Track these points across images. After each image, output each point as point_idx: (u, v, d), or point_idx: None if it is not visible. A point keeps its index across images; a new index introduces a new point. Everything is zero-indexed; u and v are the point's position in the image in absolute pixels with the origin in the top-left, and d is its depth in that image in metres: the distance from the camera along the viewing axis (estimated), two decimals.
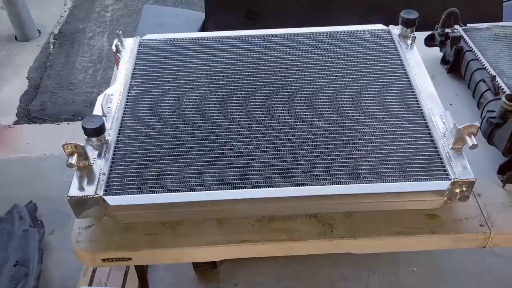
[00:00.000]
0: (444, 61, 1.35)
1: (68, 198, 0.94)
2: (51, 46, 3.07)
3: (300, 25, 1.38)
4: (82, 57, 2.97)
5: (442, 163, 0.98)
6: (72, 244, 0.99)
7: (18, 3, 2.98)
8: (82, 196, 0.94)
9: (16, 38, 3.13)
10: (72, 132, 2.43)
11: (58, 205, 1.94)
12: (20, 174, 2.23)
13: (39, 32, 3.18)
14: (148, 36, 1.35)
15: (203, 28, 1.69)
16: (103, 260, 0.98)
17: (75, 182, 0.97)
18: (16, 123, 2.55)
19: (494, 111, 1.05)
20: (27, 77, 2.83)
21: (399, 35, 1.29)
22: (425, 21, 1.39)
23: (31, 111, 2.61)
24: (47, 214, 2.04)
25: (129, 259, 0.98)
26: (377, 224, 0.99)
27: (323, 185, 0.96)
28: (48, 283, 1.82)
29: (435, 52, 1.38)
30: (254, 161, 1.00)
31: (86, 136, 1.03)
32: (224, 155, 1.01)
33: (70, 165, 0.95)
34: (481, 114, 1.13)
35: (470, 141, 0.95)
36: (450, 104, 1.24)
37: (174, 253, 0.98)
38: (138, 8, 3.35)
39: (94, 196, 0.94)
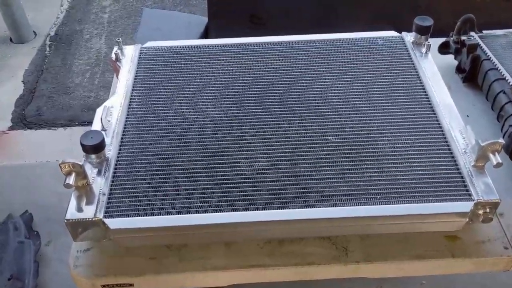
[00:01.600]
0: (459, 69, 1.29)
1: (65, 221, 0.88)
2: (47, 49, 3.00)
3: (304, 30, 1.32)
4: (79, 60, 2.89)
5: (463, 182, 0.92)
6: (69, 268, 0.93)
7: (13, 4, 2.90)
8: (81, 219, 0.88)
9: (11, 40, 3.05)
10: (68, 138, 2.36)
11: (55, 215, 1.87)
12: (14, 182, 2.16)
13: (35, 34, 3.10)
14: (149, 44, 1.28)
15: (205, 33, 1.63)
16: (103, 286, 0.92)
17: (73, 203, 0.90)
18: (11, 128, 2.48)
19: None
20: (22, 81, 2.76)
21: (412, 42, 1.23)
22: (436, 27, 1.34)
23: (26, 116, 2.54)
24: (43, 224, 1.97)
25: (131, 285, 0.92)
26: (395, 246, 0.93)
27: (337, 206, 0.90)
28: None
29: (449, 60, 1.32)
30: (263, 179, 0.94)
31: (84, 153, 0.97)
32: (232, 173, 0.95)
33: (67, 186, 0.89)
34: (502, 128, 1.07)
35: (494, 159, 0.89)
36: (467, 116, 1.18)
37: (179, 278, 0.92)
38: (136, 9, 3.28)
39: (94, 219, 0.88)
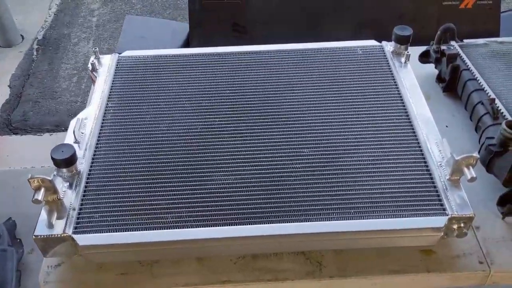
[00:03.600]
0: (439, 79, 1.28)
1: (34, 237, 0.87)
2: (35, 53, 2.98)
3: (288, 39, 1.31)
4: (67, 64, 2.88)
5: (438, 196, 0.91)
6: (39, 285, 0.92)
7: (0, 7, 2.88)
8: (50, 235, 0.86)
9: None
10: (54, 144, 2.32)
11: None
12: None
13: (22, 37, 3.09)
14: (127, 53, 1.27)
15: (187, 40, 1.61)
16: None
17: (43, 219, 0.89)
18: None
19: (493, 138, 0.99)
20: (8, 85, 2.75)
21: (392, 52, 1.22)
22: (419, 35, 1.33)
23: (12, 121, 2.53)
24: (26, 232, 1.95)
25: None
26: (369, 261, 0.92)
27: (310, 221, 0.88)
28: None
29: (430, 69, 1.31)
30: (237, 194, 0.92)
31: (55, 167, 0.96)
32: (205, 187, 0.94)
33: (36, 201, 0.87)
34: (480, 140, 1.06)
35: (469, 173, 0.89)
36: (446, 126, 1.17)
37: None
38: (125, 13, 3.27)
39: (63, 235, 0.86)
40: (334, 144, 1.01)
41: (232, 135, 1.03)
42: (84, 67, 2.85)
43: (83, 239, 0.87)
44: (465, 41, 1.27)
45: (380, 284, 0.92)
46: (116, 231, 0.88)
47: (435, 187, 0.92)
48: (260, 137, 1.02)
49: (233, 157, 0.99)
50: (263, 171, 0.96)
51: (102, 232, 0.88)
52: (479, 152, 1.01)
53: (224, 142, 1.02)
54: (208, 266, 0.92)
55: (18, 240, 1.91)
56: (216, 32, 1.59)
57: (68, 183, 0.95)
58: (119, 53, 1.28)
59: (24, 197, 2.06)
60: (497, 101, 1.07)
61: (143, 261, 0.93)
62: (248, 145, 1.01)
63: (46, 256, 0.91)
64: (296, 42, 1.29)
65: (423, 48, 1.32)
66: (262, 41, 1.30)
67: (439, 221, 0.88)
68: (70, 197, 0.92)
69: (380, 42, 1.26)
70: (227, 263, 0.93)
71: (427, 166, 0.96)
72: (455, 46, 1.24)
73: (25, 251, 1.89)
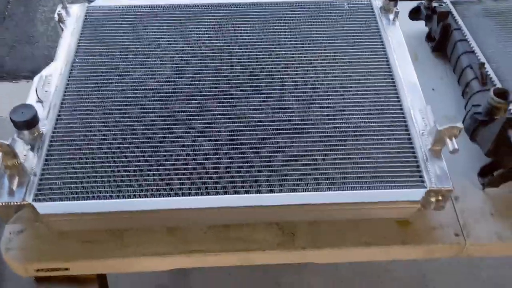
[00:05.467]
0: (429, 38, 1.21)
1: None
2: None
3: None
4: (44, 6, 2.72)
5: (418, 166, 0.87)
6: (1, 251, 0.88)
7: None
8: (8, 202, 0.82)
9: None
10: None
11: None
12: None
13: None
14: (98, 2, 1.18)
15: None
16: (37, 270, 0.88)
17: (2, 185, 0.84)
18: None
19: (479, 106, 0.94)
20: None
21: (381, 8, 1.14)
22: None
23: None
24: None
25: (66, 269, 0.88)
26: (343, 232, 0.90)
27: (283, 191, 0.85)
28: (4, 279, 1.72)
29: (421, 27, 1.24)
30: (208, 162, 0.88)
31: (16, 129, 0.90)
32: (174, 153, 0.89)
33: None
34: (465, 106, 1.01)
35: (451, 145, 0.84)
36: (433, 90, 1.12)
37: (116, 263, 0.88)
38: None
39: (22, 203, 0.82)
40: (313, 109, 0.95)
41: (205, 97, 0.97)
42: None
43: (43, 207, 0.82)
44: None
45: (353, 255, 0.90)
46: (79, 199, 0.84)
47: (415, 157, 0.88)
48: (234, 101, 0.96)
49: (206, 121, 0.93)
50: (236, 138, 0.91)
51: (65, 200, 0.84)
52: (463, 120, 0.97)
53: (196, 105, 0.96)
54: (178, 235, 0.89)
55: None
56: None
57: (30, 146, 0.89)
58: (90, 1, 1.19)
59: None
60: (486, 65, 1.01)
61: (110, 229, 0.89)
62: (222, 108, 0.95)
63: (7, 223, 0.87)
64: None
65: (413, 4, 1.24)
66: None
67: (417, 194, 0.84)
68: (32, 161, 0.87)
69: None
70: (197, 232, 0.89)
71: (408, 135, 0.92)
72: (447, 2, 1.16)
73: None
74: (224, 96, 0.97)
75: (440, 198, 0.85)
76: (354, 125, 0.93)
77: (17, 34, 2.58)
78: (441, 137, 0.86)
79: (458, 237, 0.89)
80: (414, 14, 1.21)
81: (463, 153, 0.97)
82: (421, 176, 0.86)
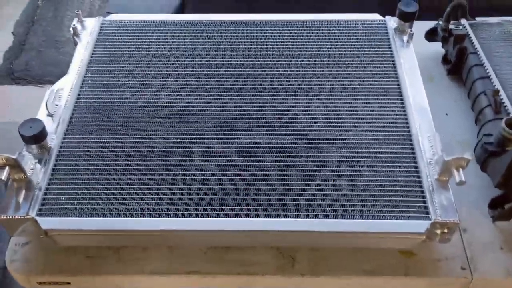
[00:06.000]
0: (445, 60, 1.18)
1: None
2: None
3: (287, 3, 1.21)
4: (72, 12, 2.79)
5: (423, 197, 0.85)
6: (6, 262, 0.90)
7: None
8: (13, 216, 0.83)
9: None
10: None
11: None
12: None
13: None
14: (113, 16, 1.19)
15: (183, 2, 1.51)
16: (39, 283, 0.89)
17: (7, 198, 0.86)
18: None
19: (491, 135, 0.91)
20: (12, 32, 2.69)
21: (395, 29, 1.12)
22: (431, 7, 1.22)
23: (14, 71, 2.49)
24: None
25: (68, 283, 0.89)
26: (344, 260, 0.88)
27: (284, 217, 0.84)
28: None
29: (437, 48, 1.21)
30: (210, 183, 0.88)
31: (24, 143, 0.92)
32: (177, 173, 0.89)
33: None
34: (478, 134, 0.98)
35: (458, 176, 0.82)
36: (446, 114, 1.09)
37: (116, 280, 0.89)
38: None
39: (26, 217, 0.83)
40: (319, 133, 0.94)
41: (211, 117, 0.97)
42: (89, 15, 2.75)
43: (46, 223, 0.84)
44: (478, 19, 1.16)
45: (353, 285, 0.88)
46: (81, 216, 0.85)
47: (421, 187, 0.86)
48: (240, 122, 0.96)
49: (210, 141, 0.93)
50: (240, 160, 0.90)
51: (68, 216, 0.85)
52: (475, 149, 0.94)
53: (202, 125, 0.96)
54: (177, 255, 0.89)
55: None
56: None
57: (37, 160, 0.91)
58: (108, 12, 1.21)
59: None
60: (501, 92, 0.98)
61: (111, 246, 0.90)
62: (226, 130, 0.95)
63: (12, 235, 0.88)
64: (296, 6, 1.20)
65: (432, 23, 1.21)
66: (260, 4, 1.21)
67: (421, 225, 0.82)
68: (38, 176, 0.89)
69: (384, 16, 1.16)
70: (197, 253, 0.89)
71: (415, 163, 0.89)
72: (464, 25, 1.13)
73: None
74: (230, 117, 0.97)
75: (445, 230, 0.82)
76: (360, 150, 0.91)
77: (45, 38, 2.65)
78: (448, 168, 0.83)
79: (464, 271, 0.87)
80: (431, 35, 1.19)
81: (474, 182, 0.95)
82: (426, 207, 0.83)
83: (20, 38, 2.65)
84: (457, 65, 1.12)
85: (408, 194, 0.86)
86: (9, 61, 2.53)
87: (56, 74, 2.46)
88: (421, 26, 1.19)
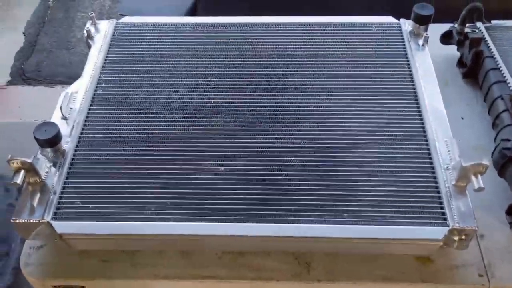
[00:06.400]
0: (461, 63, 1.17)
1: (12, 221, 0.84)
2: None
3: (299, 6, 1.21)
4: (82, 13, 2.80)
5: (440, 203, 0.84)
6: (21, 266, 0.90)
7: None
8: (28, 220, 0.83)
9: None
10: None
11: None
12: (9, 141, 2.14)
13: None
14: (126, 19, 1.19)
15: (195, 5, 1.51)
16: (54, 287, 0.89)
17: (23, 202, 0.86)
18: (9, 83, 2.44)
19: (509, 140, 0.90)
20: (23, 33, 2.70)
21: (410, 32, 1.11)
22: (447, 10, 1.21)
23: (25, 71, 2.50)
24: None
25: (82, 287, 0.89)
26: (360, 266, 0.87)
27: (300, 222, 0.83)
28: None
29: (452, 51, 1.20)
30: (225, 187, 0.87)
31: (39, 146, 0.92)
32: (192, 177, 0.89)
33: (14, 185, 0.84)
34: (495, 139, 0.97)
35: (476, 183, 0.81)
36: (462, 118, 1.08)
37: (130, 284, 0.89)
38: None
39: (41, 221, 0.83)
40: (334, 137, 0.93)
41: (225, 121, 0.97)
42: (100, 17, 2.77)
43: (61, 227, 0.84)
44: (493, 22, 1.15)
45: None
46: (97, 220, 0.85)
47: (438, 192, 0.85)
48: (255, 126, 0.95)
49: (225, 145, 0.93)
50: (255, 164, 0.90)
51: (83, 220, 0.85)
52: (492, 154, 0.93)
53: (216, 129, 0.95)
54: (191, 259, 0.89)
55: None
56: None
57: (52, 163, 0.91)
58: (121, 14, 1.21)
59: (35, 150, 2.07)
60: None
61: (124, 250, 0.90)
62: (241, 134, 0.94)
63: (27, 239, 0.89)
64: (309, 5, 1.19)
65: (446, 26, 1.20)
66: (272, 7, 1.20)
67: (438, 232, 0.81)
68: (53, 179, 0.89)
69: (399, 19, 1.15)
70: (211, 257, 0.89)
71: (432, 168, 0.88)
72: (480, 28, 1.12)
73: None
74: (244, 120, 0.96)
75: (463, 237, 0.81)
76: (376, 155, 0.91)
77: (56, 39, 2.66)
78: (465, 174, 0.82)
79: (481, 278, 0.86)
80: (446, 38, 1.18)
81: (492, 187, 0.94)
82: (443, 214, 0.83)
83: (31, 39, 2.66)
84: (473, 69, 1.11)
85: (425, 199, 0.85)
86: (20, 62, 2.54)
87: (67, 74, 2.48)
88: (436, 29, 1.18)
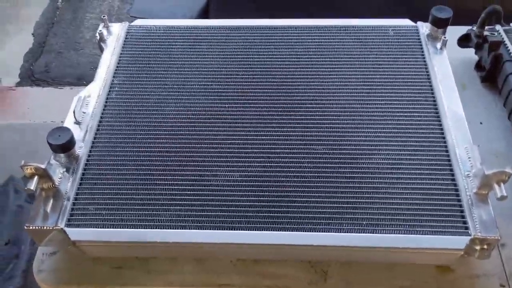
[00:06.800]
0: (479, 67, 1.15)
1: (25, 227, 0.83)
2: (59, 0, 2.90)
3: (312, 8, 1.19)
4: (91, 13, 2.80)
5: (462, 211, 0.82)
6: (34, 272, 0.89)
7: None
8: (41, 227, 0.82)
9: None
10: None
11: None
12: (19, 142, 2.14)
13: None
14: (138, 22, 1.18)
15: (207, 6, 1.50)
16: None
17: (36, 208, 0.85)
18: (18, 84, 2.44)
19: None
20: (32, 33, 2.70)
21: (427, 35, 1.09)
22: (463, 12, 1.18)
23: (34, 72, 2.50)
24: None
25: None
26: (378, 274, 0.86)
27: (318, 231, 0.81)
28: None
29: (469, 54, 1.18)
30: (241, 194, 0.86)
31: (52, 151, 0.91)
32: (207, 183, 0.87)
33: (28, 191, 0.83)
34: None
35: (499, 191, 0.79)
36: (481, 123, 1.06)
37: None
38: None
39: (55, 228, 0.82)
40: (352, 142, 0.92)
41: (241, 126, 0.95)
42: (108, 17, 2.75)
43: (75, 234, 0.82)
44: None
45: None
46: (111, 226, 0.83)
47: (459, 200, 0.83)
48: (271, 131, 0.94)
49: (240, 151, 0.91)
50: (271, 171, 0.88)
51: (97, 227, 0.83)
52: None
53: (231, 134, 0.94)
54: (206, 266, 0.87)
55: None
56: None
57: (65, 169, 0.90)
58: (132, 16, 1.20)
59: (43, 152, 2.06)
60: None
61: (139, 256, 0.89)
62: (258, 139, 0.93)
63: (40, 245, 0.88)
64: (322, 7, 1.17)
65: (463, 29, 1.18)
66: (284, 9, 1.19)
67: (460, 241, 0.79)
68: (66, 185, 0.87)
69: (415, 22, 1.13)
70: (226, 264, 0.88)
71: (452, 175, 0.86)
72: (499, 31, 1.10)
73: None
74: (259, 125, 0.95)
75: (485, 246, 0.79)
76: (395, 161, 0.89)
77: (64, 40, 2.65)
78: (488, 182, 0.80)
79: None
80: (463, 41, 1.15)
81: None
82: (465, 222, 0.81)
83: (40, 40, 2.66)
84: (492, 73, 1.09)
85: (446, 208, 0.83)
86: (29, 63, 2.54)
87: (76, 75, 2.47)
88: (453, 32, 1.16)
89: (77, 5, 2.85)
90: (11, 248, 1.72)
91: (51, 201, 0.85)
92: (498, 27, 1.10)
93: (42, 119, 2.22)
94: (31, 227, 0.82)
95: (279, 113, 0.97)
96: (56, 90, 2.40)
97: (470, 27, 1.15)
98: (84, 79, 2.43)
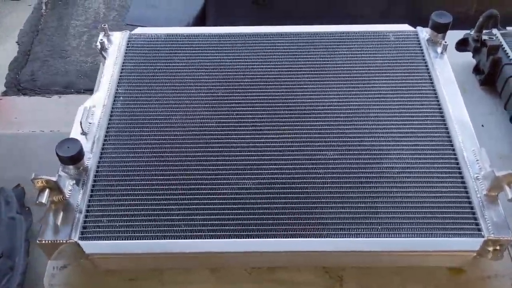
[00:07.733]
0: (477, 70, 1.17)
1: (38, 241, 0.82)
2: (43, 7, 2.86)
3: (311, 14, 1.20)
4: (76, 20, 2.76)
5: (473, 213, 0.84)
6: (45, 287, 0.87)
7: None
8: (54, 240, 0.81)
9: None
10: (64, 107, 2.26)
11: None
12: (6, 153, 2.09)
13: None
14: (139, 30, 1.17)
15: (202, 11, 1.49)
16: None
17: (48, 222, 0.83)
18: (4, 94, 2.39)
19: None
20: (17, 42, 2.64)
21: (428, 40, 1.11)
22: (459, 17, 1.21)
23: (20, 81, 2.45)
24: (35, 199, 1.92)
25: None
26: (393, 278, 0.87)
27: (331, 236, 0.82)
28: (36, 277, 1.73)
29: (467, 58, 1.20)
30: (253, 202, 0.86)
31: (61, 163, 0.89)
32: (218, 192, 0.87)
33: (40, 204, 0.81)
34: None
35: (510, 192, 0.81)
36: (482, 126, 1.08)
37: None
38: None
39: (68, 241, 0.81)
40: (360, 148, 0.93)
41: (250, 134, 0.95)
42: (94, 24, 2.73)
43: (89, 247, 0.81)
44: (509, 28, 1.15)
45: None
46: (124, 238, 0.82)
47: (470, 203, 0.85)
48: (281, 138, 0.94)
49: (250, 158, 0.91)
50: (284, 177, 0.88)
51: (110, 239, 0.82)
52: None
53: (240, 141, 0.94)
54: (221, 276, 0.87)
55: (27, 209, 1.87)
56: (234, 5, 1.47)
57: (75, 181, 0.88)
58: (128, 24, 1.19)
59: (32, 162, 2.02)
60: None
61: (153, 268, 0.88)
62: (267, 145, 0.93)
63: (51, 259, 0.86)
64: (319, 16, 1.18)
65: (460, 33, 1.20)
66: (283, 16, 1.19)
67: (474, 243, 0.81)
68: (77, 197, 0.86)
69: (415, 27, 1.15)
70: (241, 273, 0.87)
71: (462, 178, 0.88)
72: (497, 35, 1.12)
73: (34, 220, 1.86)
74: (270, 132, 0.95)
75: (498, 247, 0.81)
76: (404, 166, 0.90)
77: (50, 48, 2.61)
78: (498, 183, 0.82)
79: None
80: (461, 45, 1.18)
81: None
82: (477, 224, 0.82)
83: (25, 48, 2.61)
84: (491, 76, 1.12)
85: (458, 210, 0.84)
86: (15, 72, 2.49)
87: (63, 84, 2.43)
88: (450, 36, 1.18)
89: (62, 13, 2.81)
90: (5, 261, 1.68)
91: (61, 214, 0.84)
92: (495, 31, 1.13)
93: (31, 128, 2.18)
94: (43, 241, 0.81)
95: (289, 119, 0.97)
96: (44, 99, 2.35)
97: (467, 31, 1.17)
98: (72, 87, 2.39)
